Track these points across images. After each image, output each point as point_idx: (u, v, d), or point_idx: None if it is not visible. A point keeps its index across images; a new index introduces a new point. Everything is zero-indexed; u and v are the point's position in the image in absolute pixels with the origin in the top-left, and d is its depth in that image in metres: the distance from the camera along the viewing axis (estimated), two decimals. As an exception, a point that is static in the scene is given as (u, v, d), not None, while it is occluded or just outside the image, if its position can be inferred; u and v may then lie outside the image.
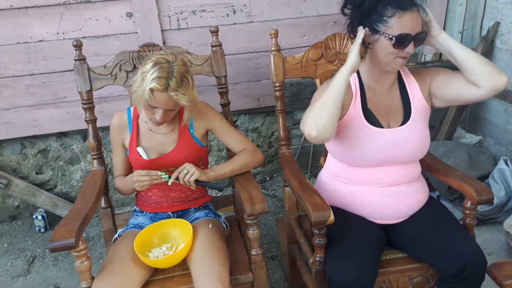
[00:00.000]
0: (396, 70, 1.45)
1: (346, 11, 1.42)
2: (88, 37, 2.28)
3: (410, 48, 1.32)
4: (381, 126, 1.43)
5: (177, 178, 1.47)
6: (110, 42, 2.32)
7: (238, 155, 1.62)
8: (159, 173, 1.47)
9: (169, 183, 1.47)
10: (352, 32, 1.43)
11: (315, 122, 1.30)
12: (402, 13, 1.29)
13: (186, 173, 1.46)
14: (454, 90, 1.42)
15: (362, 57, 1.47)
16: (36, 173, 2.56)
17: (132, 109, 1.62)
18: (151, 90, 1.35)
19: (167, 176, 1.47)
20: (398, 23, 1.30)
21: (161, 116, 1.43)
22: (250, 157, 1.61)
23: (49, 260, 2.30)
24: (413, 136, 1.44)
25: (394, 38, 1.31)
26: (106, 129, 2.18)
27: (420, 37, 1.34)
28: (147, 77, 1.35)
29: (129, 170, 1.67)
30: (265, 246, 2.29)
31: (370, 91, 1.47)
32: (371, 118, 1.43)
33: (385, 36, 1.32)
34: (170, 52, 1.46)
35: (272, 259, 2.21)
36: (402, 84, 1.49)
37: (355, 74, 1.49)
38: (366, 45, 1.40)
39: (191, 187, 1.49)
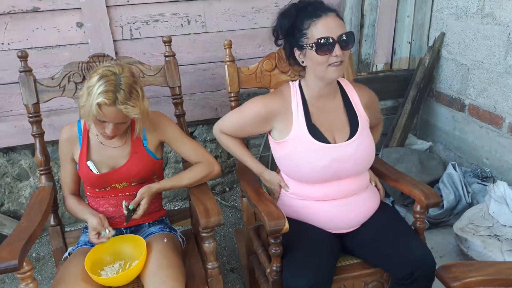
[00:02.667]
0: (334, 80, 1.43)
1: (279, 42, 1.46)
2: (36, 47, 2.19)
3: (337, 52, 1.30)
4: (327, 141, 1.43)
5: (133, 210, 1.49)
6: (59, 53, 2.24)
7: (194, 167, 1.60)
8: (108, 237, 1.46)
9: (126, 224, 1.50)
10: (290, 58, 1.46)
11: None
12: (317, 20, 1.31)
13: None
14: None
15: (300, 75, 1.50)
16: (-19, 191, 2.42)
17: (82, 122, 1.56)
18: (99, 104, 1.31)
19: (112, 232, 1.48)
20: (315, 31, 1.31)
21: (112, 130, 1.39)
22: (205, 170, 1.59)
23: (-5, 283, 2.16)
24: (361, 150, 1.45)
25: (314, 44, 1.31)
26: (56, 143, 2.09)
27: (346, 39, 1.31)
28: (94, 91, 1.31)
29: (79, 185, 1.62)
30: (224, 259, 2.26)
31: (313, 107, 1.47)
32: (316, 134, 1.43)
33: (308, 47, 1.33)
34: (116, 63, 1.41)
35: (232, 271, 2.18)
36: (345, 97, 1.51)
37: (298, 90, 1.49)
38: (300, 64, 1.42)
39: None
